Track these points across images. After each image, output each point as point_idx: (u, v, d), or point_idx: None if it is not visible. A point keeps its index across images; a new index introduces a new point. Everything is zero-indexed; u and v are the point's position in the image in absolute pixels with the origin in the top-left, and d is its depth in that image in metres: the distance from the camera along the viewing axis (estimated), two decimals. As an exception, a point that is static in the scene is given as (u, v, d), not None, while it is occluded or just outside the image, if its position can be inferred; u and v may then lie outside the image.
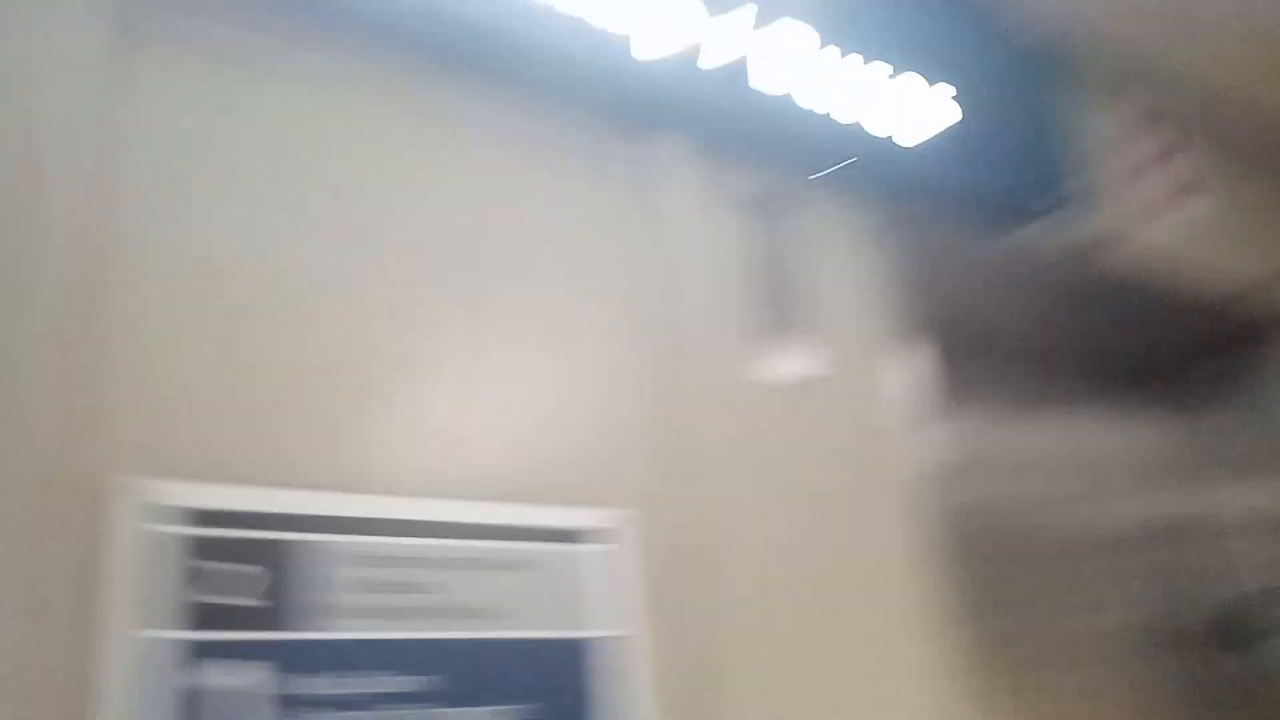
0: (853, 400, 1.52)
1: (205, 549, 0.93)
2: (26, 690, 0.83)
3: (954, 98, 1.68)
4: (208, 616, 0.91)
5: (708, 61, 1.44)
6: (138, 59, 1.10)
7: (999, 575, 1.94)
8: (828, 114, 1.55)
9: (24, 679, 0.83)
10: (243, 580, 0.94)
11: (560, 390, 1.26)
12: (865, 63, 1.59)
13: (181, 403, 1.00)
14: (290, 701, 0.92)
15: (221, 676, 0.89)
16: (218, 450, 1.00)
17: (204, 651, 0.90)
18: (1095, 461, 2.29)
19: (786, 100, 1.51)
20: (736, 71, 1.47)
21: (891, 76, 1.63)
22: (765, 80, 1.49)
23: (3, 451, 0.88)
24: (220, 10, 1.16)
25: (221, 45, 1.16)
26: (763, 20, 1.51)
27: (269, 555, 0.96)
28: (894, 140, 1.62)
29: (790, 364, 1.48)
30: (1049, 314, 2.16)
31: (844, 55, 1.57)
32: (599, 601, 1.13)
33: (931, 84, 1.66)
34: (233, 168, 1.12)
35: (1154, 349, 2.37)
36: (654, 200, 1.43)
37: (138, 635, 0.87)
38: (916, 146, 1.65)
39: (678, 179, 1.46)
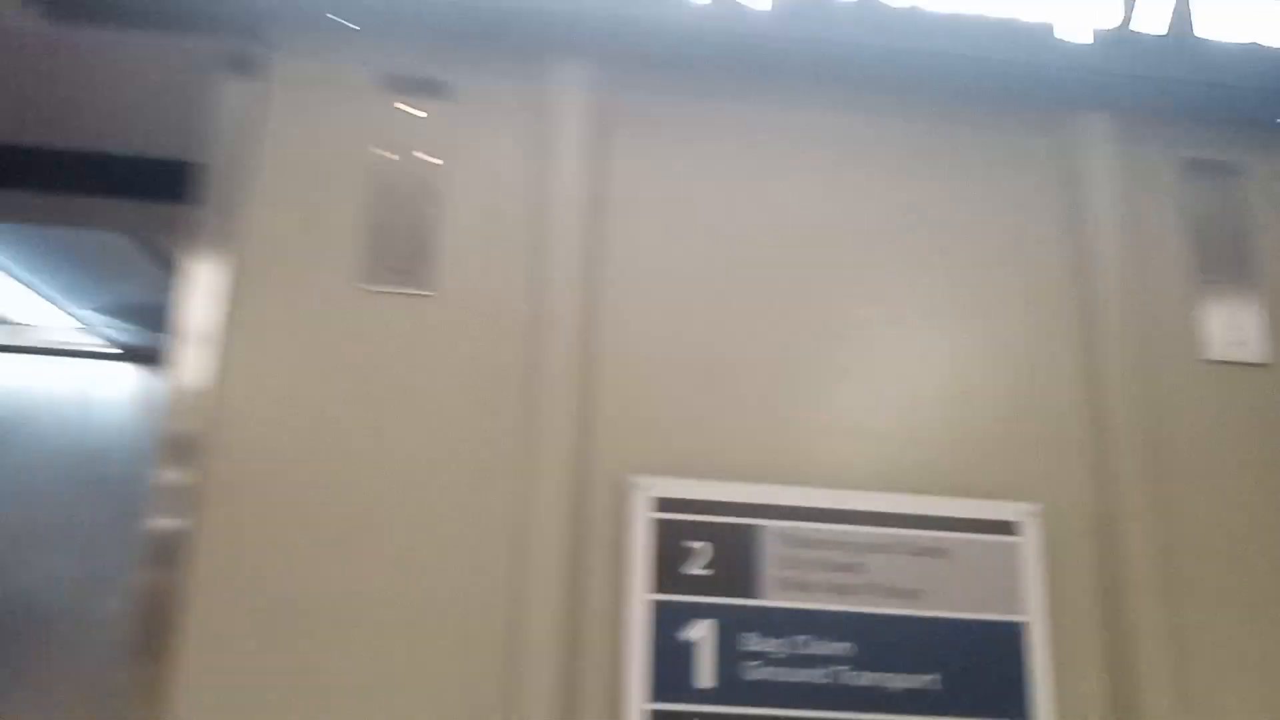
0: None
1: (681, 530, 1.22)
2: (563, 638, 1.17)
3: None
4: (684, 584, 1.20)
5: (1144, 28, 1.40)
6: (620, 128, 1.38)
7: None
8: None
9: (562, 630, 1.17)
10: (706, 555, 1.21)
11: (980, 388, 1.36)
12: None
13: (667, 416, 1.28)
14: (739, 655, 1.18)
15: (692, 631, 1.18)
16: (695, 452, 1.27)
17: (682, 610, 1.19)
18: None
19: (1247, 50, 1.42)
20: (1179, 34, 1.41)
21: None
22: (1217, 34, 1.42)
23: (543, 459, 1.22)
24: (679, 86, 1.41)
25: (681, 112, 1.40)
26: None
27: (726, 535, 1.22)
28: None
29: (1242, 339, 1.41)
30: None
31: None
32: (1009, 588, 1.24)
33: None
34: (696, 212, 1.37)
35: None
36: (1080, 183, 1.44)
37: (638, 595, 1.19)
38: None
39: (1106, 155, 1.45)
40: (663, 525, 1.21)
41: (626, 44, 1.37)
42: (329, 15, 1.30)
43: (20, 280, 2.64)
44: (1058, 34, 1.39)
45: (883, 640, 1.21)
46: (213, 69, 1.35)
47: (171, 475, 1.25)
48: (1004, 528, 1.27)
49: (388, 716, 1.14)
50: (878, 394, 1.34)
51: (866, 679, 1.19)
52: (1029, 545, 1.27)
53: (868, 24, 1.35)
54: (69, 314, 2.91)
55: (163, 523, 1.24)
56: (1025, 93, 1.44)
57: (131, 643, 1.22)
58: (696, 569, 1.20)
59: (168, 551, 1.20)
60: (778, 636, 1.19)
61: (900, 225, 1.41)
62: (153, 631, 1.19)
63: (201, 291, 1.30)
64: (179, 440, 1.25)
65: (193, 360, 1.27)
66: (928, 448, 1.32)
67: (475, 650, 1.17)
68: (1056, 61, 1.40)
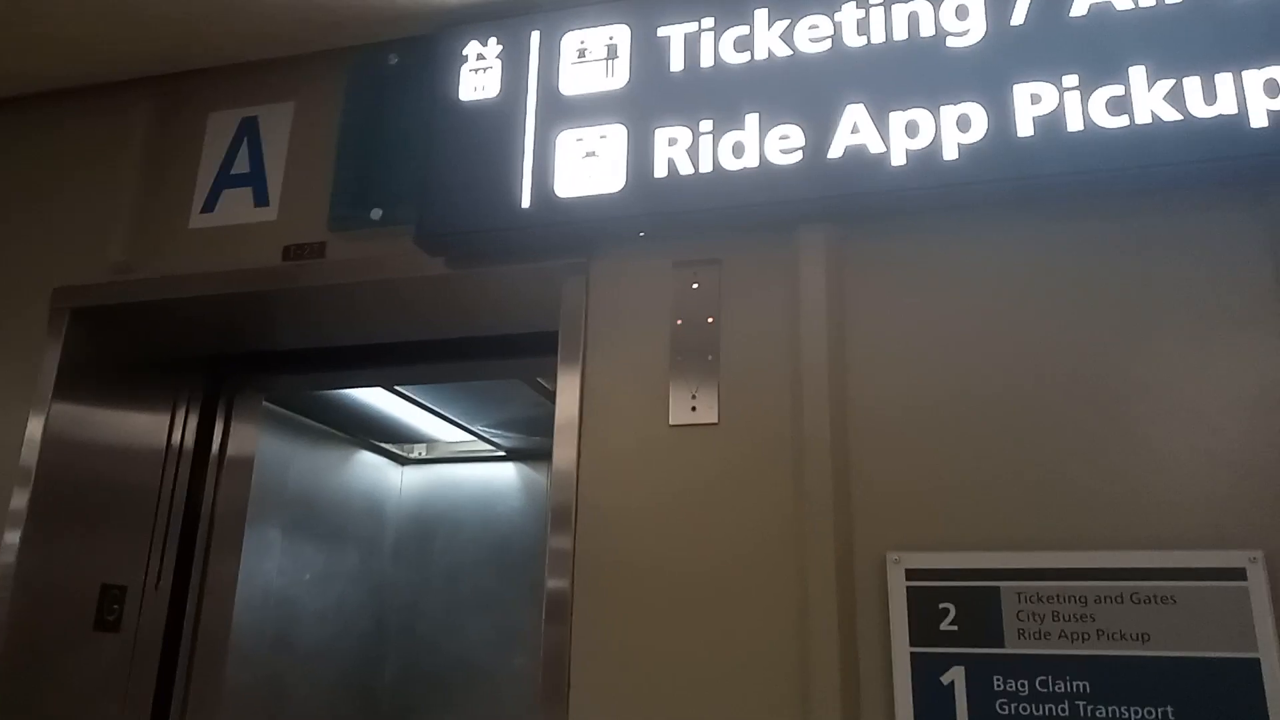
0: None
1: (931, 594, 1.53)
2: (844, 684, 1.53)
3: None
4: (937, 638, 1.51)
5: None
6: (851, 272, 1.74)
7: None
8: None
9: (842, 678, 1.53)
10: (952, 613, 1.51)
11: (1207, 447, 1.54)
12: None
13: (914, 502, 1.60)
14: (989, 694, 1.46)
15: (947, 676, 1.49)
16: (933, 527, 1.58)
17: (938, 660, 1.50)
18: None
19: None
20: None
21: None
22: None
23: (813, 543, 1.60)
24: (895, 230, 1.74)
25: (900, 250, 1.74)
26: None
27: (969, 596, 1.52)
28: None
29: None
30: None
31: None
32: (1239, 629, 1.41)
33: None
34: (924, 327, 1.68)
35: None
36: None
37: (900, 649, 1.52)
38: None
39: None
40: (915, 591, 1.54)
41: (848, 207, 1.73)
42: (640, 235, 1.84)
43: (435, 412, 3.46)
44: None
45: (1118, 677, 1.43)
46: (557, 274, 1.90)
47: (557, 542, 1.75)
48: (1230, 574, 1.44)
49: (720, 742, 1.57)
50: (1103, 466, 1.56)
51: (1104, 712, 1.42)
52: (1258, 588, 1.42)
53: (1048, 151, 1.61)
54: (469, 430, 3.72)
55: (554, 584, 1.74)
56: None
57: (539, 690, 1.73)
58: (946, 625, 1.51)
59: (559, 610, 1.71)
60: (1020, 678, 1.46)
61: (1110, 301, 1.62)
62: (553, 678, 1.69)
63: (564, 407, 1.84)
64: (559, 511, 1.76)
65: (563, 454, 1.80)
66: (1155, 509, 1.52)
67: (775, 690, 1.56)
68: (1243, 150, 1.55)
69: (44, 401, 2.10)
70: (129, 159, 2.24)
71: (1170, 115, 1.58)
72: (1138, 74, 1.61)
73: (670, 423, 1.76)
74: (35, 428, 2.09)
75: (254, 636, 3.07)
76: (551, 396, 3.28)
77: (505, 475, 4.00)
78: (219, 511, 2.44)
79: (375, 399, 3.25)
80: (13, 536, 2.02)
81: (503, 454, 3.98)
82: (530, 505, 3.90)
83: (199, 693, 2.31)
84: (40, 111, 2.38)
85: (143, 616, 2.25)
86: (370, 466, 3.85)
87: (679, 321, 1.81)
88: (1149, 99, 1.59)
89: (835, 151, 1.71)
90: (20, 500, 2.04)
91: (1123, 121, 1.59)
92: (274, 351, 2.53)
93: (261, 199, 2.12)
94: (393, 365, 2.54)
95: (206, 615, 2.35)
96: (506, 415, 3.51)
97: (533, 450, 3.94)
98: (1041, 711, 1.44)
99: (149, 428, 2.35)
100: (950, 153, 1.65)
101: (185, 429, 2.42)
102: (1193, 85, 1.58)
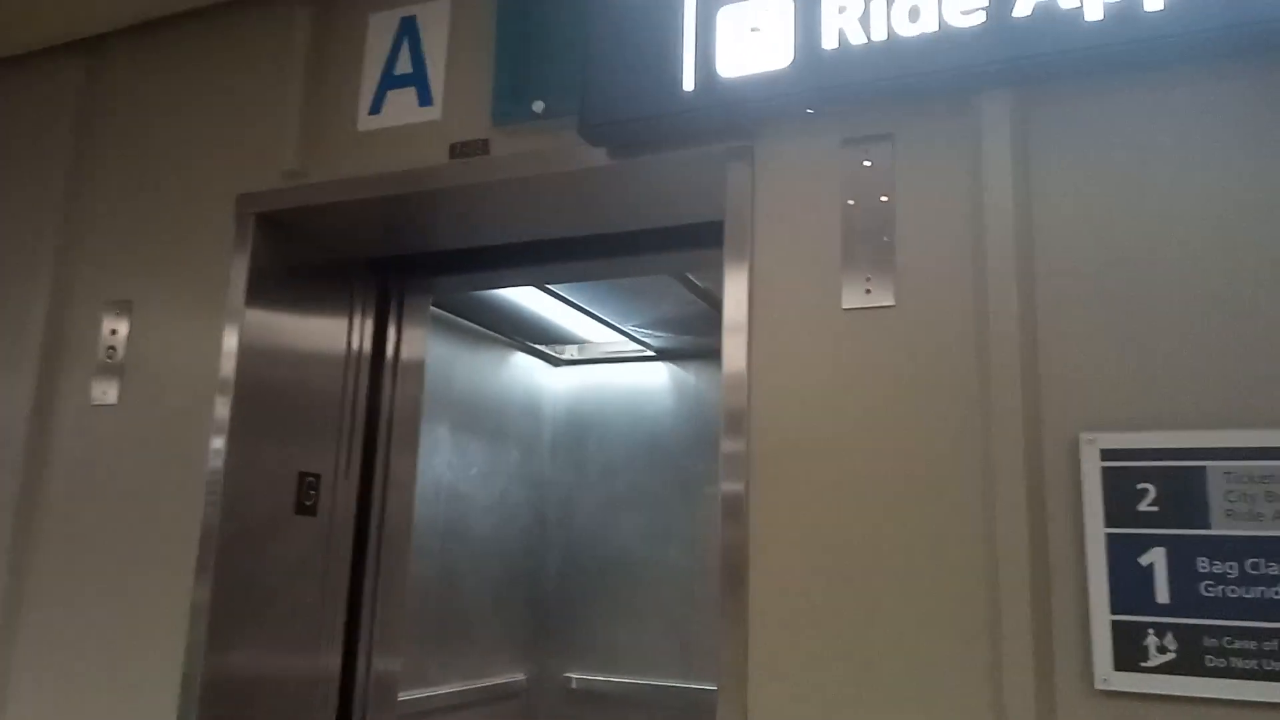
0: None
1: (1127, 474, 1.47)
2: (1034, 566, 1.49)
3: None
4: (1135, 519, 1.45)
5: None
6: (1035, 140, 1.64)
7: None
8: None
9: (1022, 558, 1.50)
10: (1152, 494, 1.45)
11: None
12: None
13: (1104, 375, 1.53)
14: (1193, 575, 1.40)
15: (1146, 558, 1.43)
16: (1130, 406, 1.51)
17: (1136, 540, 1.44)
18: None
19: None
20: None
21: None
22: None
23: (998, 425, 1.55)
24: (1084, 91, 1.62)
25: (1089, 112, 1.62)
26: None
27: (1170, 475, 1.45)
28: None
29: None
30: None
31: None
32: None
33: None
34: (1114, 193, 1.58)
35: None
36: None
37: (1095, 530, 1.47)
38: None
39: None
40: (1111, 471, 1.47)
41: (1036, 70, 1.62)
42: (807, 112, 1.78)
43: (587, 312, 3.51)
44: None
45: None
46: (720, 159, 1.86)
47: (731, 445, 1.76)
48: None
49: (898, 626, 1.56)
50: (1325, 336, 1.44)
51: (1306, 577, 1.34)
52: None
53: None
54: (619, 330, 3.77)
55: (729, 487, 1.76)
56: None
57: (718, 583, 1.74)
58: (1145, 506, 1.45)
59: (736, 511, 1.73)
60: (1229, 560, 1.39)
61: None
62: (732, 570, 1.72)
63: (732, 301, 1.81)
64: (732, 415, 1.77)
65: (733, 354, 1.78)
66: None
67: (963, 574, 1.54)
68: None
69: (238, 310, 2.22)
70: (295, 65, 2.30)
71: None
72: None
73: (844, 306, 1.72)
74: (230, 338, 2.21)
75: (428, 527, 3.25)
76: (702, 294, 3.28)
77: (654, 375, 4.04)
78: (396, 411, 2.56)
79: (530, 301, 3.32)
80: (218, 441, 2.16)
81: (651, 354, 4.02)
82: (678, 404, 3.95)
83: (387, 573, 2.47)
84: (206, 24, 2.47)
85: (336, 502, 2.41)
86: (525, 368, 3.96)
87: (850, 201, 1.75)
88: (1395, -76, 1.41)
89: (1022, 9, 1.59)
90: (223, 409, 2.17)
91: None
92: (435, 253, 2.60)
93: (425, 98, 2.15)
94: (548, 264, 2.57)
95: (391, 504, 2.50)
96: (656, 314, 3.52)
97: (681, 350, 3.96)
98: (1253, 593, 1.37)
99: (328, 332, 2.47)
100: (1155, 1, 1.51)
101: (362, 333, 2.53)
102: None
